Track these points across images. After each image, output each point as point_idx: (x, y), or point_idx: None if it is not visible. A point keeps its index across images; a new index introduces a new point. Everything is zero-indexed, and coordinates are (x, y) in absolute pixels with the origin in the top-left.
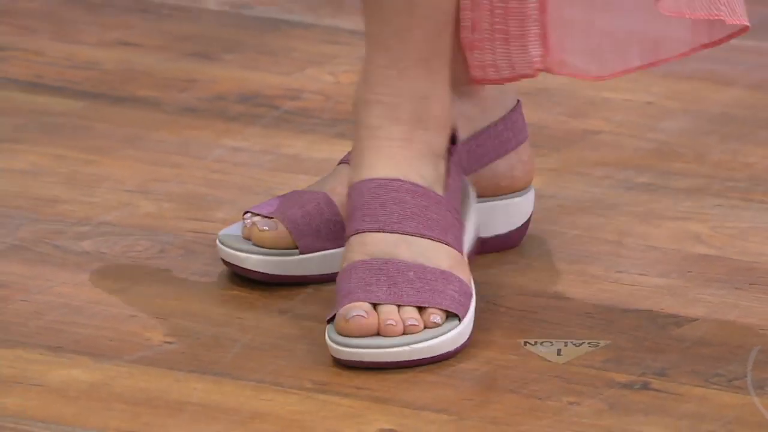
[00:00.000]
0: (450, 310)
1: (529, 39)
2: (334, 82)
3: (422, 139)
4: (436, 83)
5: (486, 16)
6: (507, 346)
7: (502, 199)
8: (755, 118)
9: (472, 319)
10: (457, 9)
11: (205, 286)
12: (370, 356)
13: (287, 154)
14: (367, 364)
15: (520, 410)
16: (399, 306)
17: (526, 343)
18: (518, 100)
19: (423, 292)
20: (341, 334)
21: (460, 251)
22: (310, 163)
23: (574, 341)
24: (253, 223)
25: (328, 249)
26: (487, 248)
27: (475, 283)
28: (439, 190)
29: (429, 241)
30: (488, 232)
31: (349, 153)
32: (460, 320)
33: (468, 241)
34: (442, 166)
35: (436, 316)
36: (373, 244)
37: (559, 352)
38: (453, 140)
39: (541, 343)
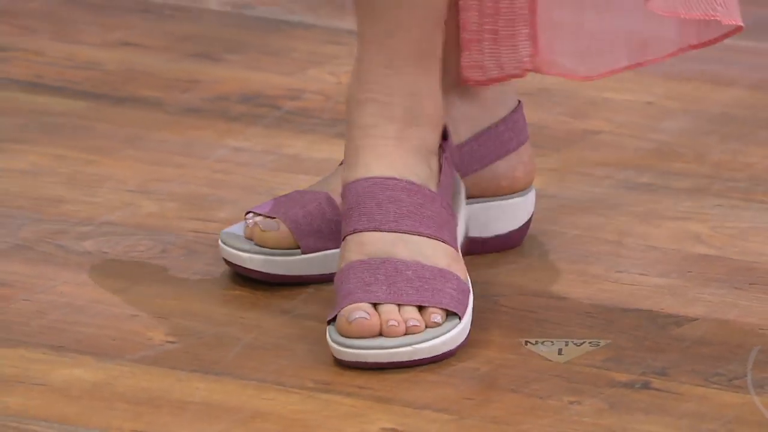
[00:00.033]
0: (450, 309)
1: (519, 39)
2: (335, 82)
3: (415, 137)
4: (429, 80)
5: (474, 16)
6: (508, 345)
7: (503, 200)
8: (755, 118)
9: (471, 316)
10: (449, 6)
11: (207, 285)
12: (374, 357)
13: (289, 154)
14: (370, 365)
15: (521, 409)
16: (399, 305)
17: (526, 342)
18: (519, 101)
19: (422, 291)
20: (344, 336)
21: (455, 247)
22: (311, 163)
23: (575, 341)
24: (255, 223)
25: (329, 249)
26: (488, 248)
27: (476, 282)
28: (433, 187)
29: (426, 239)
30: (489, 232)
31: None
32: (459, 318)
33: (460, 235)
34: (434, 163)
35: (436, 316)
36: (370, 244)
37: (559, 352)
38: (444, 135)
39: (542, 343)
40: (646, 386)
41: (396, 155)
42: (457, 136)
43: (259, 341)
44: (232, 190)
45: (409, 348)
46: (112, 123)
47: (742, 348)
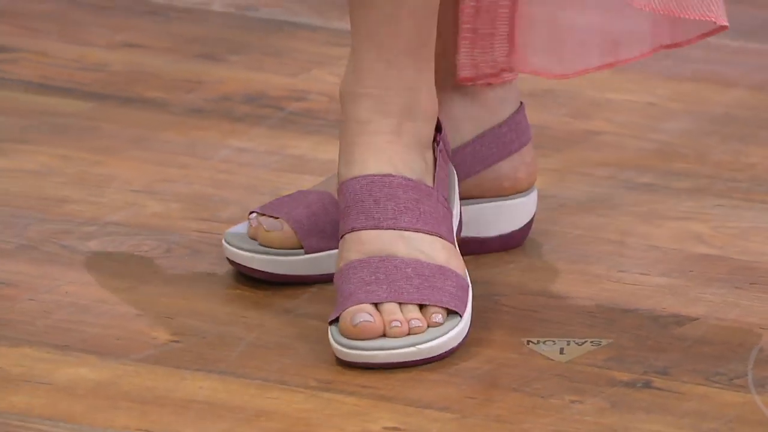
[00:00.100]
0: (450, 308)
1: (497, 38)
2: (338, 83)
3: (411, 132)
4: (423, 73)
5: (465, 15)
6: (510, 344)
7: (505, 200)
8: (757, 119)
9: (471, 313)
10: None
11: (210, 285)
12: (378, 358)
13: (292, 154)
14: (373, 366)
15: (523, 408)
16: (400, 304)
17: (528, 341)
18: (521, 103)
19: (423, 289)
20: (347, 338)
21: (453, 242)
22: (315, 164)
23: (577, 340)
24: (259, 223)
25: (332, 249)
26: (491, 248)
27: (478, 282)
28: (429, 182)
29: (424, 235)
30: (491, 232)
31: None
32: (459, 316)
33: (455, 226)
34: (430, 156)
35: (437, 316)
36: (369, 242)
37: (561, 351)
38: (438, 128)
39: (544, 342)
40: (647, 385)
41: (392, 151)
42: (460, 137)
43: (262, 340)
44: (235, 191)
45: (412, 348)
46: (117, 123)
47: (743, 347)
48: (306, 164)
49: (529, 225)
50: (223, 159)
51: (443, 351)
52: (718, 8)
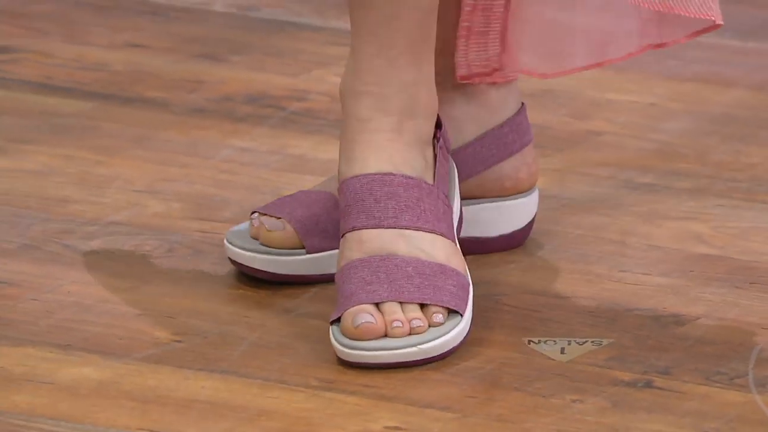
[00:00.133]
0: (451, 307)
1: (490, 36)
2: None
3: (411, 129)
4: (423, 71)
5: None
6: (511, 344)
7: (506, 200)
8: (757, 119)
9: (471, 311)
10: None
11: (212, 285)
12: (379, 358)
13: (294, 154)
14: (375, 366)
15: (524, 408)
16: (401, 303)
17: (529, 341)
18: (522, 103)
19: (423, 288)
20: (349, 338)
21: (453, 239)
22: (316, 164)
23: (578, 340)
24: (261, 223)
25: (334, 249)
26: (492, 248)
27: (479, 281)
28: (429, 179)
29: (425, 233)
30: (493, 232)
31: None
32: (460, 315)
33: (455, 222)
34: (429, 153)
35: (438, 316)
36: (369, 241)
37: (562, 351)
38: (438, 124)
39: (545, 342)
40: (648, 385)
41: (392, 149)
42: (462, 138)
43: (264, 340)
44: (237, 190)
45: (413, 348)
46: (119, 123)
47: (743, 347)
48: (307, 164)
49: (530, 225)
50: (225, 159)
51: (444, 350)
52: (716, 6)
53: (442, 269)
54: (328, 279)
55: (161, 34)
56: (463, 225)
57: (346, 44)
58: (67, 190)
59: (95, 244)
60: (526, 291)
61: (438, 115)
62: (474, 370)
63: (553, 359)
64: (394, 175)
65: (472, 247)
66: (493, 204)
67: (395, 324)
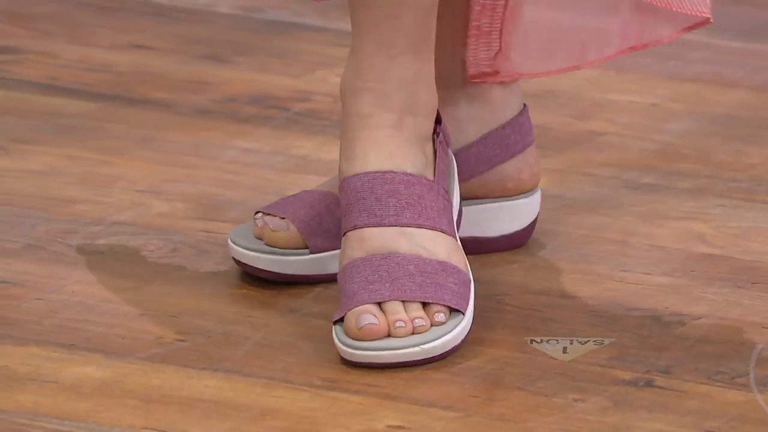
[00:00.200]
0: (452, 306)
1: (493, 36)
2: None
3: (411, 126)
4: (423, 68)
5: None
6: (513, 343)
7: (509, 200)
8: (758, 120)
9: (473, 308)
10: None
11: (216, 284)
12: (383, 358)
13: (297, 155)
14: (378, 365)
15: (527, 407)
16: (404, 302)
17: (532, 341)
18: (525, 104)
19: (425, 286)
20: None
21: (454, 235)
22: (319, 164)
23: (580, 339)
24: (265, 223)
25: (337, 249)
26: (494, 248)
27: (481, 281)
28: (430, 175)
29: (426, 230)
30: (495, 232)
31: None
32: (462, 314)
33: (455, 215)
34: (430, 149)
35: (440, 315)
36: (371, 239)
37: (564, 350)
38: (437, 120)
39: (547, 341)
40: (649, 384)
41: (393, 146)
42: (464, 138)
43: (268, 339)
44: (241, 191)
45: (416, 348)
46: (123, 124)
47: (744, 346)
48: (311, 164)
49: (532, 225)
50: (229, 159)
51: (446, 350)
52: (709, 2)
53: (444, 267)
54: (331, 279)
55: (165, 36)
56: (465, 225)
57: (348, 45)
58: (72, 190)
59: (99, 244)
60: (528, 291)
61: (438, 111)
62: (476, 369)
63: (555, 359)
64: (394, 172)
65: (474, 247)
66: (496, 204)
67: (398, 324)
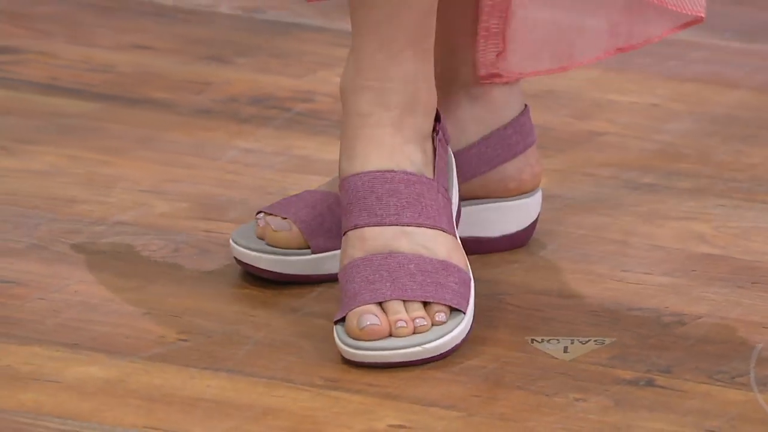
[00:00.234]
0: (453, 305)
1: (499, 36)
2: None
3: (411, 124)
4: (423, 66)
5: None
6: (514, 343)
7: (510, 200)
8: (759, 120)
9: (473, 307)
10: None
11: (218, 284)
12: (384, 358)
13: (299, 155)
14: (379, 365)
15: (528, 406)
16: (405, 301)
17: (533, 340)
18: (526, 105)
19: (426, 286)
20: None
21: (454, 233)
22: (321, 164)
23: (580, 339)
24: (267, 223)
25: (339, 249)
26: (495, 248)
27: (482, 281)
28: (429, 173)
29: (426, 229)
30: (496, 232)
31: None
32: (462, 313)
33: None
34: (429, 148)
35: (441, 315)
36: (372, 239)
37: (565, 350)
38: (437, 118)
39: (548, 341)
40: (650, 384)
41: (393, 144)
42: (466, 139)
43: (269, 339)
44: (242, 191)
45: (418, 348)
46: (125, 124)
47: (745, 346)
48: (312, 164)
49: (533, 225)
50: (230, 159)
51: (447, 349)
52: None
53: (444, 266)
54: (333, 278)
55: (167, 36)
56: (466, 225)
57: (349, 46)
58: (74, 190)
59: (102, 244)
60: (529, 290)
61: (437, 109)
62: (478, 368)
63: (556, 358)
64: (395, 172)
65: (475, 247)
66: (497, 204)
67: (399, 324)
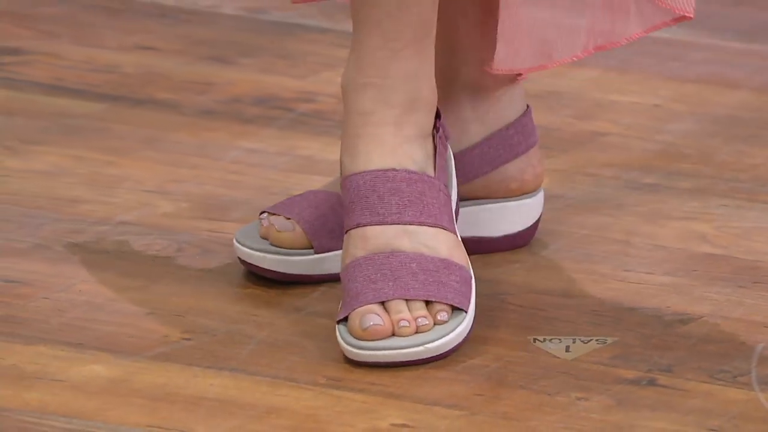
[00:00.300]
0: (455, 304)
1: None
2: None
3: (413, 122)
4: (424, 63)
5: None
6: (516, 342)
7: (512, 201)
8: (760, 120)
9: (474, 305)
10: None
11: (221, 284)
12: (387, 357)
13: (302, 155)
14: (382, 365)
15: (530, 406)
16: (407, 300)
17: (535, 339)
18: (528, 106)
19: (428, 285)
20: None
21: (454, 231)
22: (324, 165)
23: (582, 338)
24: (271, 224)
25: (341, 249)
26: (498, 247)
27: (485, 280)
28: (430, 171)
29: (428, 228)
30: (498, 232)
31: None
32: (464, 312)
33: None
34: (430, 145)
35: (443, 314)
36: (374, 238)
37: (567, 349)
38: (437, 115)
39: (550, 340)
40: (652, 383)
41: (395, 143)
42: (468, 139)
43: (272, 338)
44: (246, 191)
45: (420, 348)
46: (129, 125)
47: (746, 345)
48: (315, 165)
49: (535, 225)
50: (234, 160)
51: (449, 348)
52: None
53: (446, 264)
54: (336, 278)
55: (171, 37)
56: (468, 225)
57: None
58: (78, 190)
59: (106, 243)
60: (531, 290)
61: (437, 106)
62: (480, 368)
63: (558, 357)
64: (396, 170)
65: (477, 247)
66: (499, 204)
67: (402, 324)
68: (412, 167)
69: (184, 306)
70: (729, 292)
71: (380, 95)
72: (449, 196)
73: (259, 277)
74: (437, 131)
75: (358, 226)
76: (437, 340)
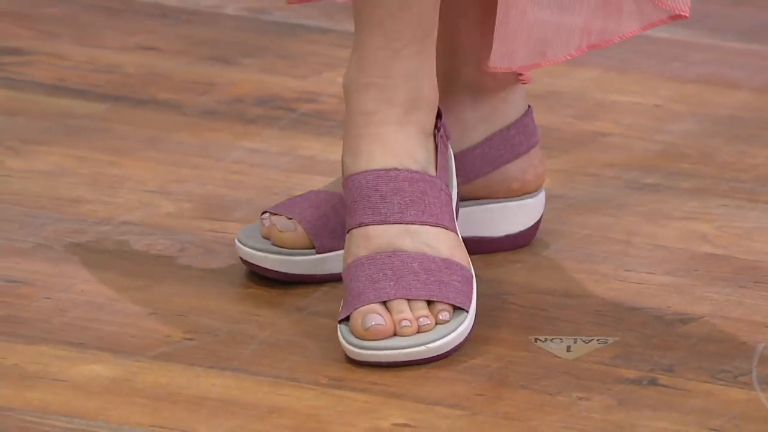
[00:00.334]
0: (456, 304)
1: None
2: None
3: (414, 121)
4: (426, 63)
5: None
6: (518, 342)
7: (513, 201)
8: (760, 121)
9: (476, 305)
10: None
11: (223, 284)
12: (388, 357)
13: (304, 155)
14: (383, 364)
15: (531, 405)
16: (408, 300)
17: (536, 339)
18: (529, 106)
19: (430, 284)
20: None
21: (455, 230)
22: (326, 165)
23: (584, 338)
24: (272, 224)
25: (343, 249)
26: (499, 247)
27: (486, 281)
28: (432, 170)
29: (430, 227)
30: (500, 232)
31: None
32: (465, 311)
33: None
34: (431, 145)
35: (445, 314)
36: (376, 237)
37: (568, 349)
38: (438, 114)
39: (551, 340)
40: (653, 383)
41: (397, 142)
42: (469, 139)
43: (274, 338)
44: (248, 191)
45: (421, 347)
46: (131, 125)
47: (747, 345)
48: (317, 165)
49: (536, 225)
50: (236, 160)
51: (450, 348)
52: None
53: (447, 264)
54: (337, 278)
55: (173, 37)
56: (469, 225)
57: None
58: (80, 190)
59: (108, 243)
60: (533, 290)
61: (438, 106)
62: (481, 367)
63: (559, 357)
64: (398, 170)
65: (478, 247)
66: (500, 204)
67: (404, 323)
68: (414, 167)
69: (186, 306)
70: (730, 292)
71: (382, 95)
72: (450, 196)
73: (261, 277)
74: (438, 131)
75: (360, 225)
76: (439, 339)
